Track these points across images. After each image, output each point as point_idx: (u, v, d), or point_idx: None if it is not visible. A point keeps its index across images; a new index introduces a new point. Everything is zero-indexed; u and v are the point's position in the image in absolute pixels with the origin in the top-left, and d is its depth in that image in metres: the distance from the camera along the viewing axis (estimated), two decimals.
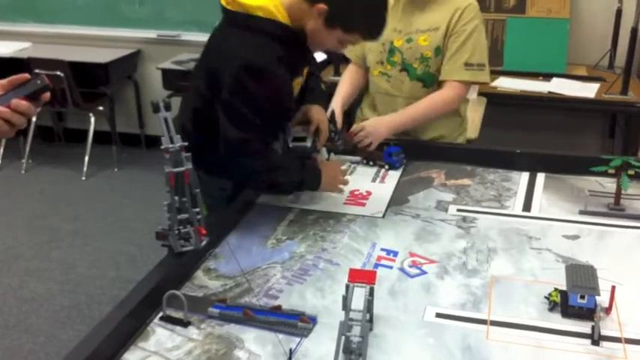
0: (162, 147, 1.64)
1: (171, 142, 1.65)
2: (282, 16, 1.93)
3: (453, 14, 2.48)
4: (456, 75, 2.50)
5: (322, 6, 1.90)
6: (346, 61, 2.84)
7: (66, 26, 5.54)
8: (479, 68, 2.51)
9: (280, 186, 2.09)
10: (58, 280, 3.78)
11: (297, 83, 2.13)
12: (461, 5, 2.49)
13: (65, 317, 3.44)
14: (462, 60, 2.49)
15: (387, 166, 2.42)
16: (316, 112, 2.19)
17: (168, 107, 1.69)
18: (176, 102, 2.13)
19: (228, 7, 1.98)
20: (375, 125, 2.46)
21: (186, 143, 1.66)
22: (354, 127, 2.47)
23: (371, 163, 2.45)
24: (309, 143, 2.17)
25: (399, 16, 2.55)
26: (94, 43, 5.48)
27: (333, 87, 2.71)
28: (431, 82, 2.55)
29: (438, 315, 1.57)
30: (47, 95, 1.46)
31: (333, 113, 2.38)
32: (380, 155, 2.43)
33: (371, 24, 2.00)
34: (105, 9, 5.43)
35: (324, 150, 2.26)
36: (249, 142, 1.94)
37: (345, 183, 2.19)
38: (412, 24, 2.53)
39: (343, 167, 2.30)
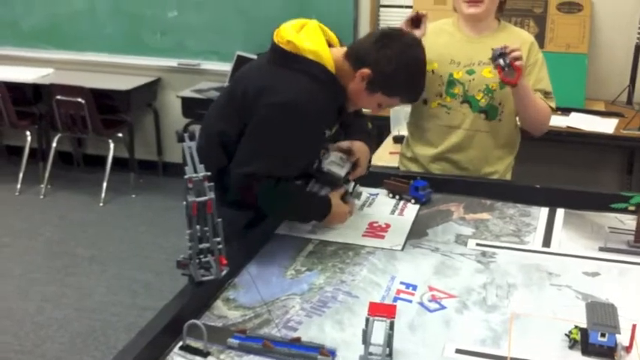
0: (185, 176, 1.65)
1: (195, 171, 1.67)
2: (330, 65, 1.98)
3: (520, 47, 2.47)
4: (547, 103, 2.56)
5: (366, 70, 1.96)
6: None
7: (88, 53, 5.62)
8: (553, 95, 2.58)
9: (285, 217, 2.20)
10: (74, 306, 3.80)
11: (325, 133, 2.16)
12: (526, 39, 2.55)
13: (81, 343, 3.45)
14: (542, 89, 2.54)
15: (412, 200, 2.40)
16: (359, 147, 2.24)
17: (192, 137, 1.71)
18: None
19: (281, 46, 2.01)
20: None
21: (209, 173, 1.68)
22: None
23: (397, 197, 2.44)
24: (343, 173, 2.18)
25: (456, 49, 2.55)
26: (115, 70, 5.56)
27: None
28: (494, 113, 2.56)
29: (458, 351, 1.57)
30: None
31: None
32: (406, 189, 2.43)
33: (412, 89, 2.06)
34: (127, 37, 5.51)
35: (351, 184, 2.27)
36: (261, 176, 1.98)
37: (348, 217, 2.23)
38: (472, 56, 2.53)
39: (357, 201, 2.31)
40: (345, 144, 2.25)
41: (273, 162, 1.97)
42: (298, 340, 1.57)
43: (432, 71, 2.56)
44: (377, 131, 4.13)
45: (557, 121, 3.91)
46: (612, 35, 4.35)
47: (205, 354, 1.54)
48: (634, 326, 1.55)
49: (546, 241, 2.13)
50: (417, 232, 2.19)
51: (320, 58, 1.98)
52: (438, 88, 2.58)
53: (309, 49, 1.97)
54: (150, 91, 5.53)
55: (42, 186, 5.39)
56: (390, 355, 1.49)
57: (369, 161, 2.33)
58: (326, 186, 2.20)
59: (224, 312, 1.74)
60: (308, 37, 2.00)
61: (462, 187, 2.48)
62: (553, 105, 2.58)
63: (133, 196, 5.37)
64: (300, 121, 1.95)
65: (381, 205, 2.41)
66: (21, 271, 4.18)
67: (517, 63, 2.31)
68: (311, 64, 1.98)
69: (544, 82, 2.56)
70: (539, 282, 1.88)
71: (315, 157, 2.15)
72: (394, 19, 4.77)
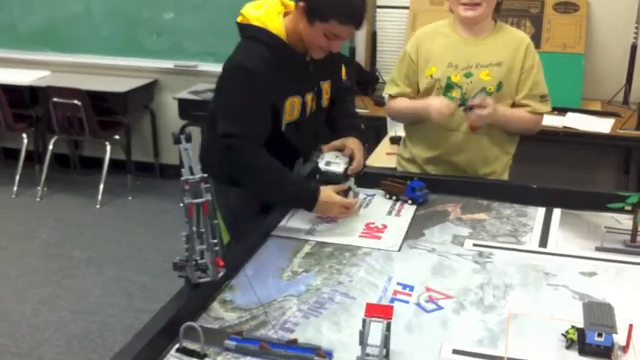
0: (182, 178, 1.65)
1: (191, 173, 1.67)
2: (274, 28, 2.18)
3: (517, 50, 2.52)
4: (541, 108, 2.58)
5: (301, 3, 2.11)
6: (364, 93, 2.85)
7: (85, 55, 5.60)
8: (548, 98, 2.59)
9: (263, 194, 2.27)
10: (70, 308, 3.79)
11: (296, 102, 2.24)
12: (522, 41, 2.55)
13: (77, 345, 3.44)
14: (538, 93, 2.56)
15: (409, 201, 2.40)
16: (352, 143, 2.33)
17: (189, 139, 1.70)
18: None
19: (239, 21, 2.24)
20: (495, 106, 2.45)
21: (205, 175, 1.68)
22: (480, 96, 2.44)
23: (394, 198, 2.44)
24: (341, 169, 2.22)
25: (453, 52, 2.55)
26: (112, 72, 5.54)
27: None
28: None
29: (455, 351, 1.56)
30: None
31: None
32: (403, 190, 2.42)
33: (342, 5, 2.11)
34: (123, 39, 5.49)
35: (352, 180, 2.28)
36: (232, 137, 2.12)
37: (345, 212, 2.25)
38: (469, 59, 2.53)
39: (355, 198, 2.33)
40: (337, 142, 2.33)
41: (228, 119, 2.15)
42: (295, 341, 1.57)
43: (431, 76, 2.56)
44: (374, 132, 4.14)
45: (554, 121, 3.92)
46: (608, 35, 4.35)
47: (202, 356, 1.54)
48: (631, 326, 1.56)
49: (543, 241, 2.13)
50: (413, 233, 2.19)
51: (263, 24, 2.18)
52: (437, 91, 2.58)
53: (255, 16, 2.19)
54: (146, 93, 5.52)
55: (38, 188, 5.37)
56: (387, 356, 1.49)
57: (365, 158, 2.36)
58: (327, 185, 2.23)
59: (221, 314, 1.73)
60: (260, 9, 2.20)
61: (459, 188, 2.48)
62: (546, 109, 2.59)
63: (130, 198, 5.36)
64: (246, 79, 2.14)
65: (377, 205, 2.41)
66: (17, 274, 4.17)
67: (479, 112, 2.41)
68: (256, 29, 2.19)
69: (540, 86, 2.57)
70: (535, 282, 1.88)
71: (270, 115, 2.21)
72: (390, 19, 4.76)
